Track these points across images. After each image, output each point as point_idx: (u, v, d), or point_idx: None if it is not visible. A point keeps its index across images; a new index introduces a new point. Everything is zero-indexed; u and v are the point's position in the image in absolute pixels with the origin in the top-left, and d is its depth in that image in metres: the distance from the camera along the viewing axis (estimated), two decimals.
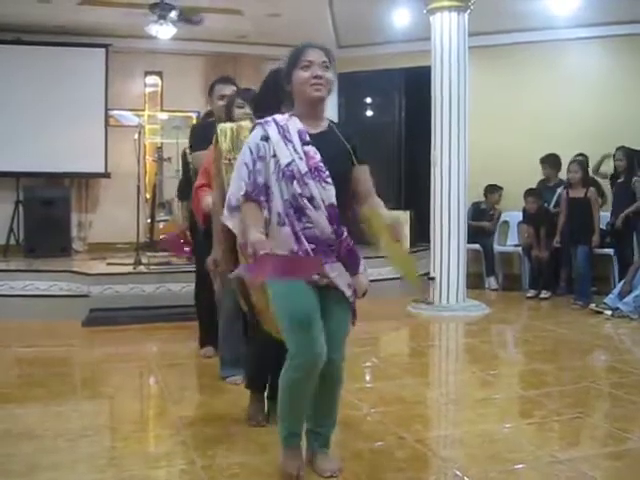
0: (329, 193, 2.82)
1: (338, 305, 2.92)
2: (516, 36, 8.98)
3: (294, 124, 2.87)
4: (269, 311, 3.02)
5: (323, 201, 2.80)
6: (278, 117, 2.92)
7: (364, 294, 3.00)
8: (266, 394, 3.74)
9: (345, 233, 2.88)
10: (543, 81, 8.98)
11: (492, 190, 9.04)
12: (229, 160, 3.54)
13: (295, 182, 2.78)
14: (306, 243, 2.79)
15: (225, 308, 4.41)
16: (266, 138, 2.86)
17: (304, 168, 2.79)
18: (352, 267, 2.90)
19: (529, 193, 8.37)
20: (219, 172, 3.61)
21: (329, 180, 2.82)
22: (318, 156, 2.82)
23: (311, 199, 2.79)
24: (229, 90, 4.82)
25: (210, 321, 5.12)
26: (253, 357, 3.78)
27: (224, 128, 3.63)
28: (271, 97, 3.40)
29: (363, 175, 2.98)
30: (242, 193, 2.85)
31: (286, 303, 2.84)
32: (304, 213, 2.79)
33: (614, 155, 7.98)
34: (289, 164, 2.79)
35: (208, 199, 4.31)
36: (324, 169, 2.82)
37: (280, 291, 2.85)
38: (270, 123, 2.89)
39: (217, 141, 3.62)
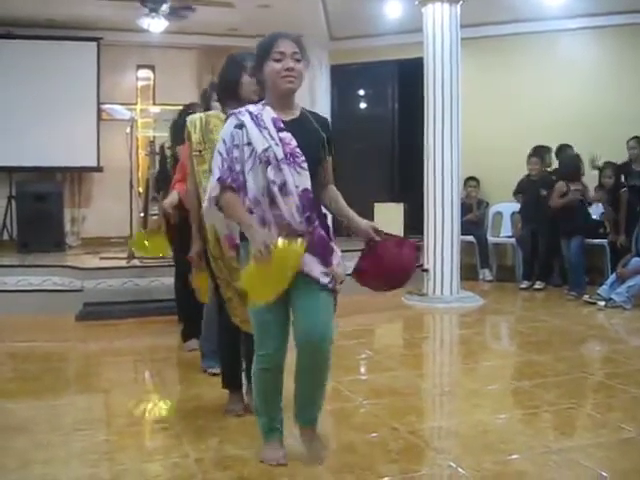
0: (303, 178, 2.84)
1: (313, 286, 2.87)
2: (508, 27, 8.96)
3: (267, 113, 2.89)
4: (234, 301, 3.35)
5: (297, 187, 2.82)
6: (251, 107, 2.94)
7: (341, 282, 2.98)
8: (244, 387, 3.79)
9: (317, 222, 2.88)
10: (536, 72, 8.96)
11: (465, 182, 8.97)
12: (199, 152, 3.53)
13: (269, 168, 2.80)
14: (275, 232, 2.81)
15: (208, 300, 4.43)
16: (240, 126, 2.87)
17: (280, 154, 2.82)
18: (324, 257, 2.89)
19: (533, 153, 8.38)
20: (192, 167, 3.61)
21: (304, 165, 2.84)
22: (294, 142, 2.85)
23: (283, 185, 2.80)
24: None
25: (192, 314, 5.13)
26: (224, 357, 3.85)
27: (193, 119, 3.62)
28: (229, 83, 3.47)
29: (327, 166, 3.05)
30: (216, 178, 2.86)
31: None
32: (275, 200, 2.81)
33: (601, 170, 8.02)
34: (266, 150, 2.81)
35: (174, 195, 4.36)
36: (300, 154, 2.84)
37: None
38: (244, 113, 2.91)
39: (189, 134, 3.61)
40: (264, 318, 2.92)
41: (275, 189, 2.80)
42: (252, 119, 2.87)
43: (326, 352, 2.92)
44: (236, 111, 2.95)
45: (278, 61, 2.84)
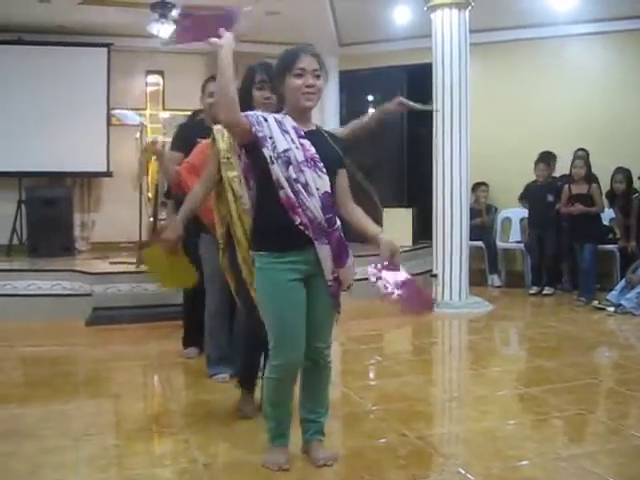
0: (324, 182, 2.88)
1: (324, 294, 2.97)
2: (517, 32, 8.96)
3: (289, 121, 2.93)
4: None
5: (318, 189, 2.85)
6: (274, 114, 2.97)
7: (349, 287, 3.04)
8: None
9: (338, 224, 2.93)
10: (545, 77, 8.96)
11: (474, 188, 8.98)
12: (227, 159, 3.56)
13: (291, 167, 2.83)
14: (306, 218, 2.83)
15: (209, 305, 4.43)
16: (265, 119, 2.89)
17: (301, 156, 2.85)
18: (340, 258, 2.94)
19: (540, 159, 8.37)
20: (214, 168, 3.63)
21: (324, 170, 2.88)
22: (313, 149, 2.89)
23: (305, 185, 2.84)
24: None
25: (195, 322, 5.13)
26: (242, 356, 3.85)
27: (220, 128, 3.65)
28: (244, 95, 3.52)
29: (342, 179, 3.05)
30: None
31: (274, 306, 2.94)
32: (298, 197, 2.83)
33: (613, 176, 8.01)
34: (286, 150, 2.84)
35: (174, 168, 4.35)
36: (319, 160, 2.88)
37: (268, 292, 2.94)
38: (268, 115, 2.94)
39: (214, 139, 3.64)
40: (288, 328, 2.92)
41: (299, 186, 2.83)
42: (275, 121, 2.90)
43: (327, 355, 3.09)
44: (260, 112, 2.99)
45: (299, 77, 2.88)
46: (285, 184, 2.82)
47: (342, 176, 3.05)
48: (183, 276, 4.08)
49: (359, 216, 3.06)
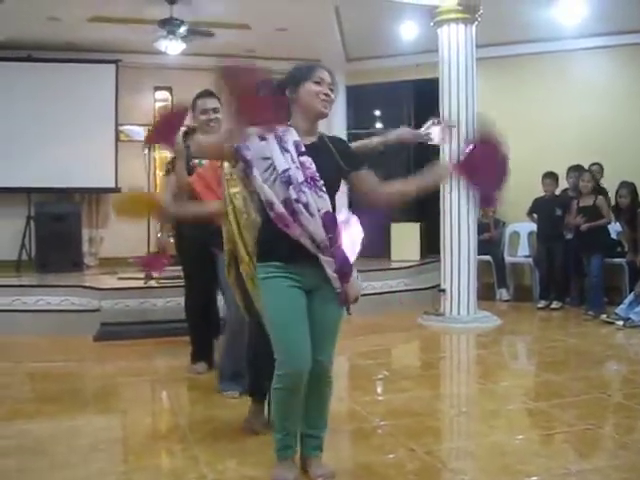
0: (324, 202, 2.90)
1: (327, 307, 2.99)
2: (523, 47, 9.00)
3: (291, 135, 2.95)
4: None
5: (319, 210, 2.87)
6: (276, 130, 2.97)
7: (356, 300, 3.03)
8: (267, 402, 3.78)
9: (340, 242, 2.95)
10: (551, 92, 8.99)
11: None
12: (230, 175, 3.59)
13: (291, 187, 2.85)
14: (307, 241, 2.87)
15: (230, 322, 4.41)
16: (263, 138, 2.92)
17: (300, 177, 2.87)
18: (345, 275, 2.95)
19: (547, 175, 8.36)
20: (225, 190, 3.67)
21: (324, 189, 2.90)
22: (313, 166, 2.91)
23: (307, 206, 2.85)
24: (212, 104, 4.81)
25: (202, 335, 5.10)
26: (252, 366, 3.82)
27: None
28: None
29: (365, 177, 3.13)
30: None
31: (276, 314, 2.96)
32: (298, 218, 2.85)
33: (617, 191, 8.00)
34: (285, 170, 2.86)
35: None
36: (319, 178, 2.90)
37: (271, 300, 2.97)
38: (268, 135, 2.95)
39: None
40: (290, 335, 2.92)
41: (300, 207, 2.84)
42: (276, 139, 2.92)
43: (327, 369, 3.06)
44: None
45: (318, 84, 2.97)
46: (276, 202, 2.85)
47: (360, 175, 3.10)
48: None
49: (397, 186, 3.29)
